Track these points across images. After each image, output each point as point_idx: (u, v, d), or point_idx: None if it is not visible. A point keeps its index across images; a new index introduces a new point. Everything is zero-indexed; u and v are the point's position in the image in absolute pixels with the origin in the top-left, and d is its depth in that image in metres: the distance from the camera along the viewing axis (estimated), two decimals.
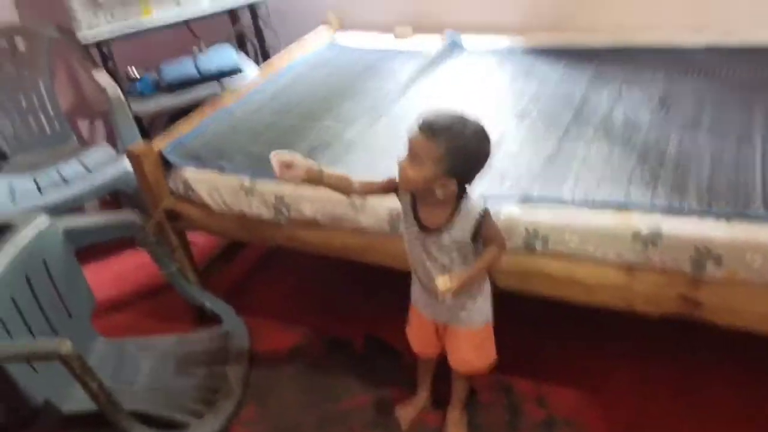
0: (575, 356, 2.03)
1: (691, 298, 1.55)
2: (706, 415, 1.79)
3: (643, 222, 1.56)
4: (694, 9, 2.48)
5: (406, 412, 1.92)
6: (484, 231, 1.51)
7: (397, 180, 1.51)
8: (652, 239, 1.54)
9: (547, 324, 2.14)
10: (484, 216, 1.49)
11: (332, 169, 1.65)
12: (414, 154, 1.43)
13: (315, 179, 1.57)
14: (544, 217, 1.67)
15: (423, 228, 1.53)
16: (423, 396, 1.93)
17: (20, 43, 2.71)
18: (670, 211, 1.56)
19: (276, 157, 1.54)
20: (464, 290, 1.51)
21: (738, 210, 1.51)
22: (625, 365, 1.97)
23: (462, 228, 1.49)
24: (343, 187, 1.62)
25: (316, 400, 2.03)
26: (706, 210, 1.53)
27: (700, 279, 1.53)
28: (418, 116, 1.43)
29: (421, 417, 1.91)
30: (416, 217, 1.54)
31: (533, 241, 1.68)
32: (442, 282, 1.45)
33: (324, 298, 2.45)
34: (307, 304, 2.43)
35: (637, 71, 2.28)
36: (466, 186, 1.49)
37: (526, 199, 1.71)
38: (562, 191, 1.71)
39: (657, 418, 1.81)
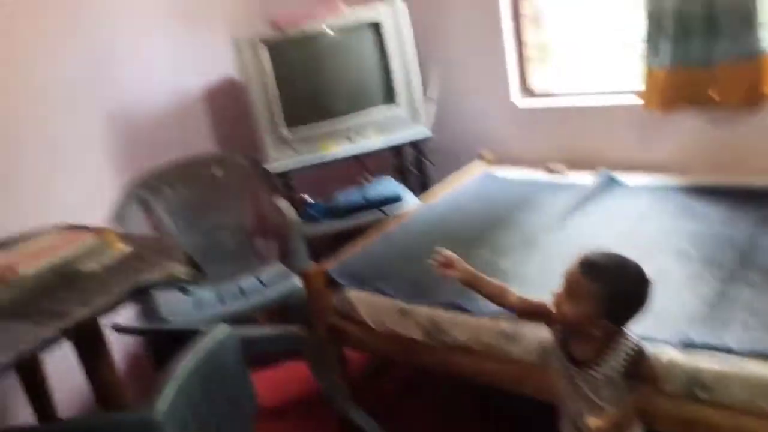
0: None
1: None
2: None
3: None
4: None
5: None
6: (641, 373, 1.50)
7: (552, 310, 1.55)
8: None
9: None
10: (638, 353, 1.48)
11: (479, 300, 1.75)
12: (572, 291, 1.46)
13: (470, 280, 1.66)
14: (707, 364, 1.62)
15: (572, 360, 1.54)
16: None
17: (217, 170, 3.13)
18: None
19: (440, 252, 1.67)
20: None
21: None
22: None
23: (613, 363, 1.48)
24: (498, 294, 1.67)
25: None
26: None
27: None
28: (579, 253, 1.48)
29: None
30: (566, 349, 1.55)
31: (694, 388, 1.63)
32: (593, 422, 1.45)
33: (466, 424, 2.44)
34: (449, 428, 2.43)
35: None
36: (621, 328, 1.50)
37: (687, 344, 1.67)
38: (726, 339, 1.66)
39: None
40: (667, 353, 1.66)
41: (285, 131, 2.92)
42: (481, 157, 3.31)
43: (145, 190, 2.92)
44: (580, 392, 1.54)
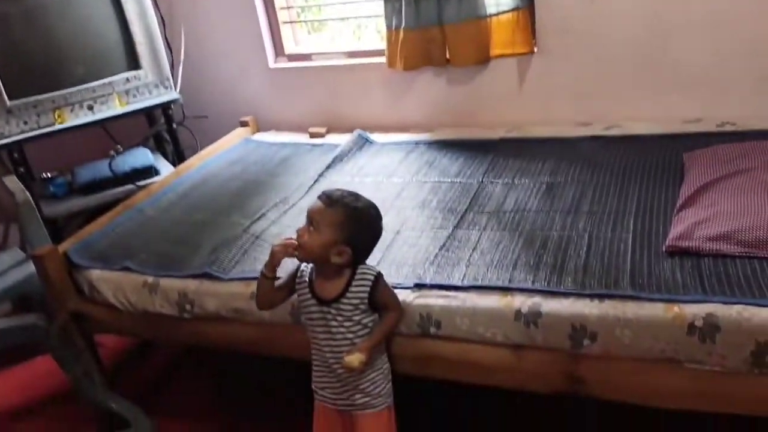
0: None
1: (574, 374, 1.62)
2: None
3: (524, 303, 1.64)
4: (580, 108, 2.71)
5: None
6: (381, 296, 1.64)
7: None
8: (533, 319, 1.62)
9: (447, 407, 2.16)
10: (378, 279, 1.63)
11: (237, 266, 1.83)
12: (314, 222, 1.59)
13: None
14: (436, 301, 1.74)
15: (320, 301, 1.63)
16: None
17: None
18: (549, 292, 1.66)
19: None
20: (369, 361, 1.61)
21: (608, 289, 1.61)
22: None
23: (359, 293, 1.61)
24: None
25: None
26: (581, 290, 1.63)
27: (580, 355, 1.61)
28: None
29: None
30: (313, 292, 1.65)
31: (428, 325, 1.74)
32: (354, 358, 1.55)
33: (238, 394, 2.42)
34: (221, 401, 2.40)
35: (529, 161, 2.44)
36: (361, 260, 1.64)
37: (420, 286, 1.79)
38: (453, 277, 1.79)
39: None
40: (402, 296, 1.75)
41: (8, 102, 2.60)
42: (243, 124, 3.25)
43: None
44: (334, 331, 1.63)
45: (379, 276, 1.65)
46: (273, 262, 1.67)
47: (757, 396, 1.47)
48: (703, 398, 1.52)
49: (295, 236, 1.63)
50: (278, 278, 1.73)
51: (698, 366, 1.50)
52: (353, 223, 1.60)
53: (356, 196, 1.65)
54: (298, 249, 1.62)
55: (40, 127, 2.70)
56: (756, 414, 1.50)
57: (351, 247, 1.59)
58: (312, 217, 1.61)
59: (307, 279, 1.68)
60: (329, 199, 1.61)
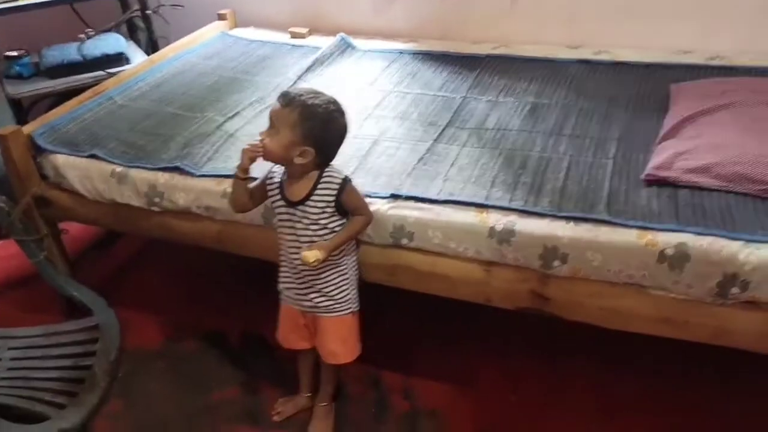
0: (445, 352, 2.10)
1: (540, 293, 1.65)
2: (567, 410, 1.88)
3: (499, 221, 1.64)
4: (571, 30, 2.64)
5: (285, 408, 1.93)
6: (348, 200, 1.61)
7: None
8: (506, 237, 1.62)
9: (420, 320, 2.20)
10: (346, 183, 1.60)
11: (210, 162, 1.80)
12: (272, 123, 1.54)
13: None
14: (410, 213, 1.72)
15: (289, 203, 1.61)
16: (304, 397, 1.93)
17: None
18: (524, 211, 1.65)
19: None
20: (332, 261, 1.62)
21: (584, 213, 1.61)
22: (492, 363, 2.05)
23: (325, 196, 1.58)
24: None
25: (185, 394, 2.01)
26: (556, 212, 1.63)
27: (548, 275, 1.63)
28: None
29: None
30: (282, 194, 1.63)
31: (400, 236, 1.74)
32: (311, 254, 1.53)
33: (202, 291, 2.42)
34: (184, 296, 2.40)
35: (515, 80, 2.39)
36: (327, 161, 1.60)
37: (395, 196, 1.77)
38: (430, 190, 1.78)
39: (519, 415, 1.88)
40: (377, 206, 1.73)
41: None
42: (220, 17, 3.10)
43: None
44: (299, 233, 1.62)
45: (346, 180, 1.60)
46: (243, 164, 1.62)
47: (717, 326, 1.52)
48: (665, 324, 1.56)
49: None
50: (252, 179, 1.69)
51: (663, 293, 1.53)
52: (311, 122, 1.52)
53: (315, 93, 1.56)
54: (260, 151, 1.57)
55: (5, 0, 2.53)
56: (715, 343, 1.55)
57: (313, 146, 1.53)
58: (271, 118, 1.55)
59: (278, 180, 1.65)
60: (285, 98, 1.53)
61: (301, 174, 1.59)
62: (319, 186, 1.58)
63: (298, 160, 1.54)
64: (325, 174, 1.59)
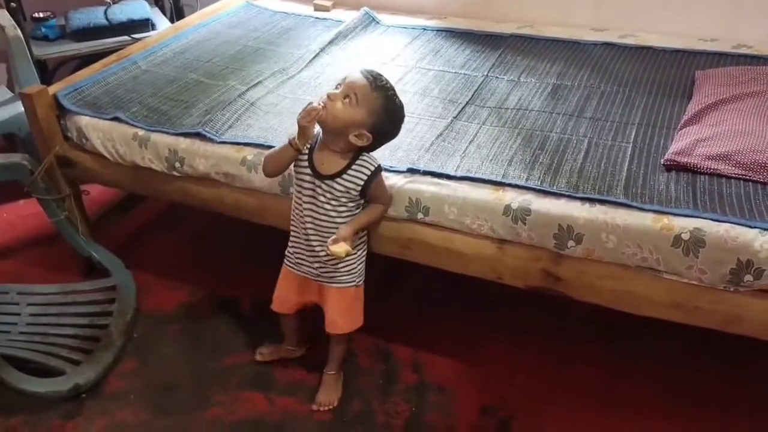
0: (455, 327, 2.12)
1: (553, 273, 1.65)
2: (574, 392, 1.89)
3: (515, 199, 1.65)
4: (598, 13, 2.62)
5: (267, 351, 2.01)
6: (374, 188, 1.64)
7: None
8: (522, 215, 1.62)
9: (432, 295, 2.22)
10: (378, 172, 1.63)
11: (230, 130, 1.84)
12: (349, 94, 1.56)
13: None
14: (427, 188, 1.73)
15: (316, 173, 1.62)
16: (285, 348, 1.99)
17: None
18: (541, 191, 1.66)
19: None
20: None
21: (601, 194, 1.61)
22: (501, 339, 2.06)
23: (355, 178, 1.61)
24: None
25: (197, 358, 2.04)
26: (573, 192, 1.63)
27: (562, 255, 1.63)
28: (358, 68, 1.62)
29: (298, 377, 1.95)
30: (311, 162, 1.63)
31: (416, 210, 1.75)
32: (342, 251, 1.57)
33: (218, 258, 2.45)
34: (199, 262, 2.43)
35: (538, 60, 2.38)
36: (369, 150, 1.64)
37: (413, 171, 1.78)
38: (447, 166, 1.78)
39: (525, 394, 1.89)
40: (393, 180, 1.74)
41: None
42: None
43: None
44: (318, 206, 1.64)
45: (378, 168, 1.64)
46: (309, 134, 1.59)
47: (728, 313, 1.52)
48: (676, 309, 1.56)
49: (315, 102, 1.56)
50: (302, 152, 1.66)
51: (676, 278, 1.53)
52: (386, 116, 1.59)
53: (394, 89, 1.62)
54: (323, 110, 1.55)
55: None
56: (725, 330, 1.55)
57: (373, 136, 1.58)
58: (352, 91, 1.56)
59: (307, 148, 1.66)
60: (376, 81, 1.57)
61: (341, 150, 1.61)
62: (353, 167, 1.62)
63: (352, 139, 1.57)
64: (361, 157, 1.63)
